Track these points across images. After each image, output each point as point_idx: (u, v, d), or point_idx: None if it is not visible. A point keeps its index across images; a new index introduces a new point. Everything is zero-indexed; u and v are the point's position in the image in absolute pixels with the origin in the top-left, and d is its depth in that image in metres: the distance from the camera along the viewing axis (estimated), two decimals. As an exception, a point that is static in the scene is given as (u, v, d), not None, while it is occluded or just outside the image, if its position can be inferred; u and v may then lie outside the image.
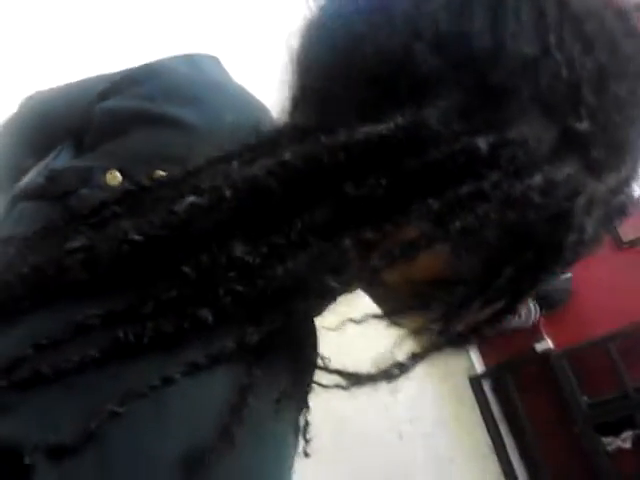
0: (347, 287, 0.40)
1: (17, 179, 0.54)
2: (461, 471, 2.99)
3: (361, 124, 0.37)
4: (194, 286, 0.37)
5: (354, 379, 0.50)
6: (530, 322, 3.30)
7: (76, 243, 0.38)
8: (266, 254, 0.38)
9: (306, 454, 0.55)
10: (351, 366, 0.52)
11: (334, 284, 0.38)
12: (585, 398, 3.07)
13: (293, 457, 0.43)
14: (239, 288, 0.37)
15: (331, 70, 0.42)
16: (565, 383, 3.09)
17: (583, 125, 0.38)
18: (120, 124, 0.49)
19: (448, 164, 0.37)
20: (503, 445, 3.30)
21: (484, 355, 3.59)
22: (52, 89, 0.65)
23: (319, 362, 0.51)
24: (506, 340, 3.44)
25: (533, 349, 3.31)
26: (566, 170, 0.38)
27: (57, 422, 0.33)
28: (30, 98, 0.66)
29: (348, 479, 2.37)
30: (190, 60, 0.59)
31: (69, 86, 0.62)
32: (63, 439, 0.32)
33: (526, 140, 0.37)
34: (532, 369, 3.38)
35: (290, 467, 0.42)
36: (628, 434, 3.03)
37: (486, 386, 3.45)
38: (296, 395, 0.43)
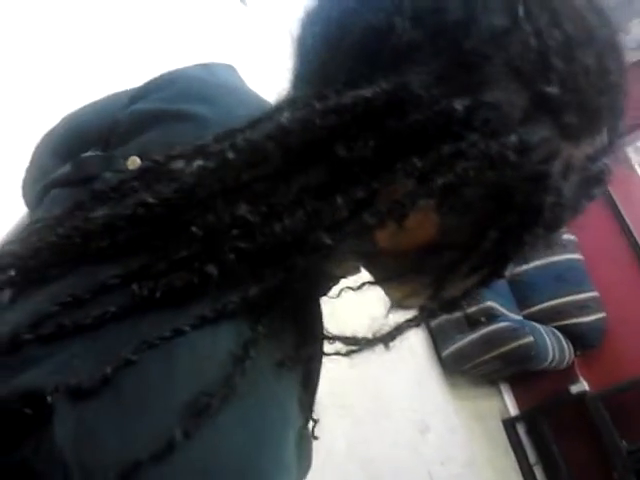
0: (341, 245, 0.42)
1: None
2: (495, 515, 2.91)
3: (349, 90, 0.42)
4: (202, 244, 0.41)
5: (353, 343, 0.53)
6: (564, 363, 3.24)
7: (98, 213, 0.43)
8: (266, 213, 0.42)
9: (315, 437, 0.57)
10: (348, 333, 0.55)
11: (328, 241, 0.41)
12: (624, 443, 2.98)
13: (296, 428, 0.45)
14: (242, 245, 0.41)
15: (323, 44, 0.46)
16: (602, 426, 3.00)
17: (553, 89, 0.41)
18: (139, 125, 0.54)
19: (429, 125, 0.40)
20: (539, 490, 3.21)
21: (518, 397, 3.52)
22: (84, 105, 0.70)
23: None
24: (541, 382, 3.38)
25: (568, 391, 3.24)
26: (540, 133, 0.42)
27: (77, 369, 0.37)
28: (65, 116, 0.72)
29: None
30: (206, 67, 0.64)
31: (99, 100, 0.67)
32: (82, 381, 0.36)
33: (499, 103, 0.41)
34: (568, 412, 3.29)
35: (294, 436, 0.44)
36: (668, 480, 2.92)
37: (520, 429, 3.38)
38: (299, 364, 0.46)
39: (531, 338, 2.95)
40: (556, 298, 3.22)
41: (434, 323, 3.16)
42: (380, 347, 0.51)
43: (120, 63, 1.99)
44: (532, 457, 3.30)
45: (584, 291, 3.23)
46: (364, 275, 0.56)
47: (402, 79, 0.41)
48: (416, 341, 3.14)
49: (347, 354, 0.55)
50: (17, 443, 0.35)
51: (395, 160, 0.41)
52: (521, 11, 0.41)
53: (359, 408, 2.37)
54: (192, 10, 2.61)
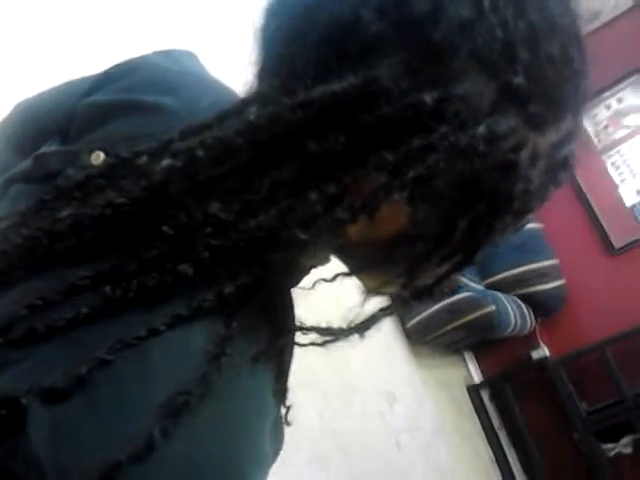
0: (315, 240, 0.42)
1: None
2: (461, 480, 2.99)
3: (318, 85, 0.41)
4: (173, 243, 0.41)
5: (329, 334, 0.53)
6: (526, 330, 3.32)
7: (65, 213, 0.42)
8: (239, 210, 0.41)
9: (287, 423, 0.57)
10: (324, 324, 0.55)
11: (303, 236, 0.41)
12: (584, 405, 3.08)
13: (273, 418, 0.45)
14: (215, 242, 0.41)
15: (289, 37, 0.46)
16: (563, 390, 3.10)
17: (519, 80, 0.41)
18: (100, 116, 0.52)
19: (399, 118, 0.40)
20: (503, 454, 3.30)
21: (481, 364, 3.61)
22: (40, 93, 0.67)
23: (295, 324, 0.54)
24: (503, 349, 3.46)
25: (529, 357, 3.33)
26: (507, 122, 0.42)
27: (50, 371, 0.36)
28: (19, 103, 0.69)
29: (347, 490, 2.37)
30: (167, 54, 0.62)
31: (55, 88, 0.65)
32: (56, 383, 0.35)
33: (468, 95, 0.41)
34: (529, 377, 3.39)
35: (273, 428, 0.44)
36: (628, 439, 3.04)
37: (484, 395, 3.46)
38: (273, 358, 0.46)
39: (493, 307, 3.01)
40: (517, 267, 3.28)
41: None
42: (355, 336, 0.51)
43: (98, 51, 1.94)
44: (496, 422, 3.39)
45: (544, 259, 3.30)
46: (338, 266, 0.56)
47: (371, 72, 0.41)
48: (381, 313, 3.17)
49: (322, 344, 0.55)
50: None
51: (366, 154, 0.41)
52: (487, 2, 0.41)
53: (326, 382, 2.39)
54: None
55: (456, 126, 0.41)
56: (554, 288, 3.32)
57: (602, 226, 3.43)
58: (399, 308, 0.51)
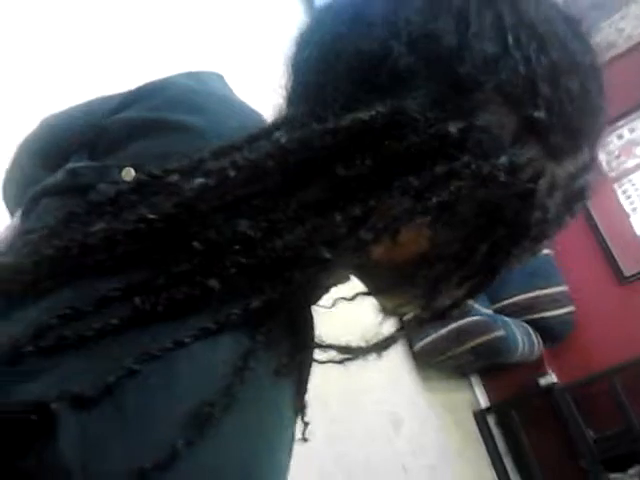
0: (339, 259, 0.44)
1: None
2: (466, 505, 2.96)
3: (347, 113, 0.43)
4: (203, 259, 0.42)
5: (347, 352, 0.55)
6: (534, 356, 3.30)
7: (97, 227, 0.43)
8: (266, 229, 0.43)
9: (305, 439, 0.59)
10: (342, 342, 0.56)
11: (328, 255, 0.43)
12: (590, 432, 3.05)
13: (292, 431, 0.47)
14: (243, 260, 0.42)
15: (318, 66, 0.48)
16: (570, 417, 3.06)
17: (540, 113, 0.44)
18: (130, 133, 0.53)
19: (424, 147, 0.43)
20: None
21: (488, 389, 3.58)
22: (65, 109, 0.69)
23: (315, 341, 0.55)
24: (510, 374, 3.44)
25: (537, 383, 3.31)
26: (528, 153, 0.44)
27: (79, 379, 0.38)
28: (44, 119, 0.71)
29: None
30: (194, 76, 0.64)
31: (80, 105, 0.66)
32: (84, 390, 0.37)
33: (491, 126, 0.43)
34: (537, 404, 3.35)
35: (290, 440, 0.46)
36: (635, 470, 3.00)
37: (491, 421, 3.43)
38: (294, 372, 0.47)
39: (502, 332, 3.00)
40: (526, 292, 3.27)
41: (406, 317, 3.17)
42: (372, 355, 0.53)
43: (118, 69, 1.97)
44: (502, 448, 3.35)
45: (554, 285, 3.29)
46: (358, 285, 0.58)
47: (398, 102, 0.43)
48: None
49: (341, 362, 0.57)
50: (21, 453, 0.36)
51: (391, 179, 0.43)
52: (511, 39, 0.43)
53: (332, 403, 2.39)
54: (183, 14, 2.58)
55: (479, 155, 0.43)
56: (564, 314, 3.30)
57: (612, 254, 3.41)
58: (414, 329, 0.53)
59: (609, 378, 3.04)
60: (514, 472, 3.31)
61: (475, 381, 3.59)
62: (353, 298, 0.58)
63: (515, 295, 3.29)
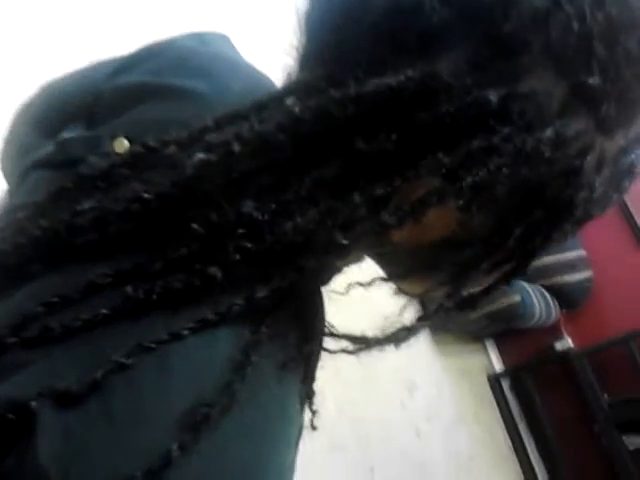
0: (356, 244, 0.39)
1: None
2: (480, 469, 2.98)
3: (371, 77, 0.38)
4: (203, 244, 0.38)
5: (362, 343, 0.50)
6: (550, 321, 3.28)
7: (87, 205, 0.39)
8: (275, 210, 0.38)
9: (313, 427, 0.55)
10: (357, 331, 0.52)
11: (343, 241, 0.38)
12: (605, 397, 3.04)
13: (298, 426, 0.43)
14: (248, 245, 0.38)
15: (340, 24, 0.42)
16: (585, 382, 3.05)
17: (594, 80, 0.38)
18: (128, 99, 0.49)
19: (459, 118, 0.37)
20: (522, 444, 3.27)
21: (503, 354, 3.57)
22: (66, 74, 0.64)
23: (326, 329, 0.51)
24: (526, 338, 3.42)
25: (553, 348, 3.29)
26: (577, 125, 0.38)
27: (64, 374, 0.34)
28: (44, 84, 0.67)
29: (366, 476, 2.38)
30: (197, 37, 0.59)
31: (82, 69, 0.62)
32: (69, 387, 0.33)
33: (537, 94, 0.37)
34: (552, 368, 3.34)
35: (296, 434, 0.42)
36: (649, 434, 3.00)
37: (505, 385, 3.43)
38: (301, 364, 0.43)
39: (518, 297, 2.97)
40: (544, 257, 3.23)
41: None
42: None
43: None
44: (516, 412, 3.36)
45: (572, 250, 3.24)
46: (374, 270, 0.53)
47: (431, 66, 0.37)
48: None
49: (354, 352, 0.53)
50: (1, 454, 0.32)
51: (420, 155, 0.38)
52: None
53: (346, 370, 2.38)
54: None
55: (522, 128, 0.37)
56: (581, 280, 3.26)
57: (633, 217, 3.35)
58: (439, 318, 0.48)
59: (626, 343, 3.02)
60: (528, 436, 3.32)
61: (490, 345, 3.58)
62: (370, 284, 0.54)
63: (532, 260, 3.24)
